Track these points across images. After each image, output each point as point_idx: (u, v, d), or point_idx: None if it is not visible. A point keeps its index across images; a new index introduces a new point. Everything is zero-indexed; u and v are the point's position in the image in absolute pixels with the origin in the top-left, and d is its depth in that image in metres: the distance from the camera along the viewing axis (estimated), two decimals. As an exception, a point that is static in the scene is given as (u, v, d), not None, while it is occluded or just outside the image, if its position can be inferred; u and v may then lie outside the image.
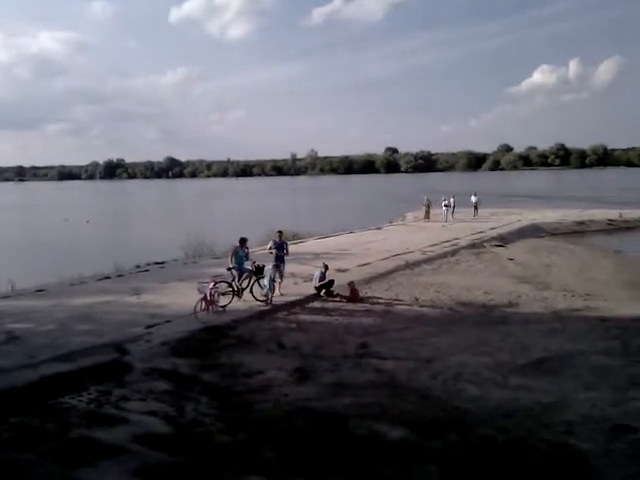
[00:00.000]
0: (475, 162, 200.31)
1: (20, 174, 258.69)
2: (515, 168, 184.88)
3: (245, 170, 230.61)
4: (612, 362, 9.42)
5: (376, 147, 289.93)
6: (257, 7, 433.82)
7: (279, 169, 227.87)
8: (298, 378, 8.77)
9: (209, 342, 10.48)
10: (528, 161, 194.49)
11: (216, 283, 12.71)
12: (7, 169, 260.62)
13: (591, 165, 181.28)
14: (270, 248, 14.55)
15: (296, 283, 15.56)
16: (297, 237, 26.42)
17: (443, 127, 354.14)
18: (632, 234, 30.78)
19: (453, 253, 21.61)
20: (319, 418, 7.08)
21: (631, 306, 13.73)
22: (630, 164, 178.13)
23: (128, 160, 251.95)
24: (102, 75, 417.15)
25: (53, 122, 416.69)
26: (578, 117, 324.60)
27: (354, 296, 14.16)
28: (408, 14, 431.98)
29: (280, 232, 15.01)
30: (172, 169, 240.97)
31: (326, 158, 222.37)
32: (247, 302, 13.31)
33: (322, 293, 14.40)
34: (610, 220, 33.47)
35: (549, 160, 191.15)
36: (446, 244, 23.51)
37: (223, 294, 12.94)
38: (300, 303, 13.82)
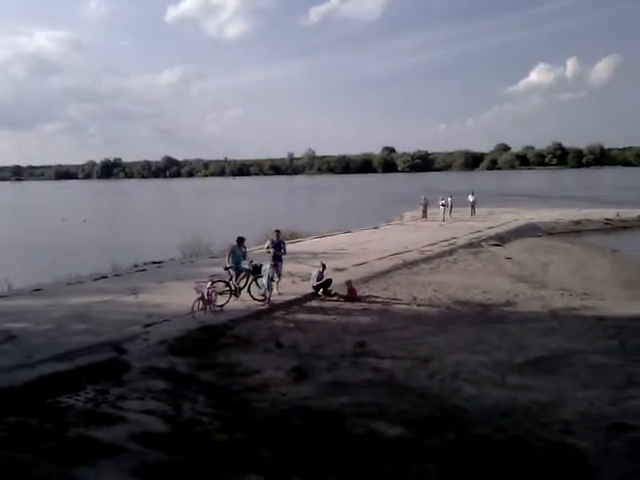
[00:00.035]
0: (472, 161, 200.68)
1: (17, 173, 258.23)
2: (512, 167, 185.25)
3: (242, 169, 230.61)
4: (610, 361, 9.44)
5: (373, 146, 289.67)
6: (254, 6, 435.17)
7: (276, 168, 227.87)
8: (296, 377, 8.77)
9: (207, 341, 10.47)
10: (525, 160, 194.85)
11: (213, 282, 12.70)
12: (4, 168, 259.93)
13: (588, 164, 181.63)
14: (267, 247, 14.54)
15: (294, 282, 15.56)
16: (295, 236, 26.42)
17: (440, 126, 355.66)
18: (629, 233, 30.85)
19: (451, 252, 21.62)
20: (317, 417, 7.08)
21: (628, 305, 13.77)
22: (627, 163, 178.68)
23: (125, 159, 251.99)
24: (98, 74, 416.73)
25: (49, 121, 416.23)
26: (575, 116, 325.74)
27: (352, 295, 14.16)
28: (405, 13, 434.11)
29: (277, 231, 14.99)
30: (169, 168, 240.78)
31: (323, 157, 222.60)
32: (245, 301, 13.30)
33: (320, 292, 14.40)
34: (607, 219, 33.52)
35: (546, 159, 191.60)
36: (444, 243, 23.53)
37: (220, 293, 12.93)
38: (298, 302, 13.81)
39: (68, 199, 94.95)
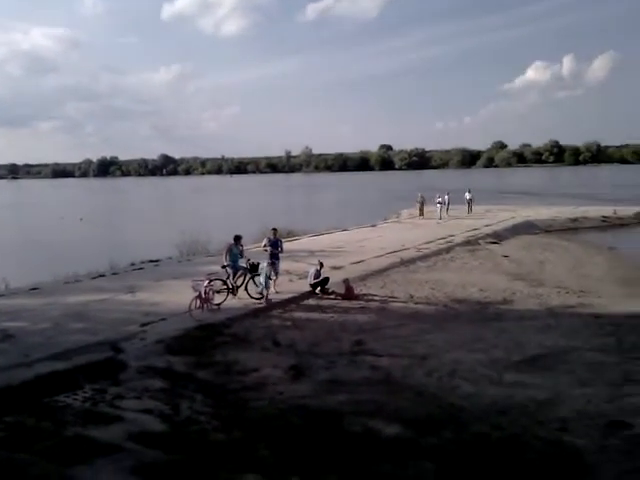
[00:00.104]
0: (469, 159, 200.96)
1: (13, 172, 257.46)
2: (509, 165, 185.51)
3: (239, 167, 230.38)
4: (606, 358, 9.47)
5: (371, 144, 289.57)
6: (251, 3, 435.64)
7: (273, 166, 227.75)
8: (293, 376, 8.77)
9: (204, 340, 10.46)
10: (522, 158, 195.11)
11: (211, 281, 12.70)
12: (0, 167, 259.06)
13: (585, 162, 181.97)
14: (265, 245, 14.54)
15: (291, 280, 15.56)
16: (292, 234, 26.41)
17: (437, 124, 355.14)
18: (626, 231, 30.89)
19: (448, 250, 21.64)
20: (314, 415, 7.09)
21: (625, 303, 13.80)
22: (623, 161, 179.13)
23: (122, 158, 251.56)
24: (95, 72, 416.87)
25: (46, 119, 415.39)
26: (572, 114, 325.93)
27: (349, 293, 14.17)
28: (402, 11, 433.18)
29: (274, 229, 15.00)
30: (166, 166, 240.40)
31: (321, 155, 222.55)
32: (242, 300, 13.30)
33: (317, 290, 14.41)
34: (604, 217, 33.55)
35: (543, 157, 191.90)
36: (441, 241, 23.54)
37: (218, 292, 12.93)
38: (295, 300, 13.81)
39: (65, 197, 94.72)
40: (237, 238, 13.88)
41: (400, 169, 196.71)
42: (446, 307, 13.36)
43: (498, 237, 25.63)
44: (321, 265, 14.86)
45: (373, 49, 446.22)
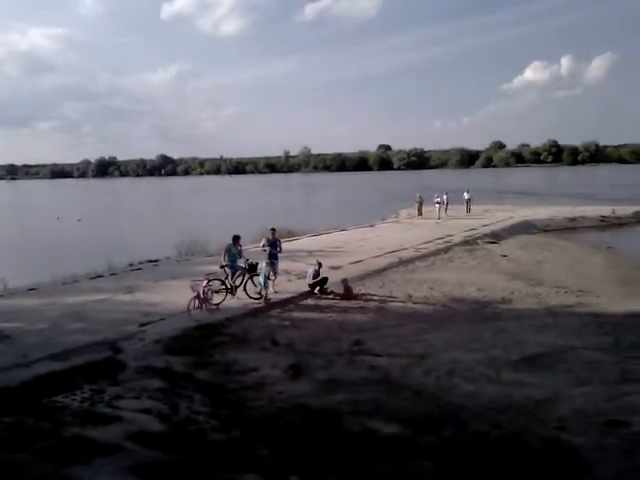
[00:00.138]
0: (468, 159, 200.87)
1: (12, 172, 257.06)
2: (508, 165, 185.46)
3: (238, 167, 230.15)
4: (605, 358, 9.48)
5: (369, 144, 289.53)
6: (249, 3, 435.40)
7: (272, 166, 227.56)
8: (292, 375, 8.78)
9: (203, 340, 10.46)
10: (521, 158, 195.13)
11: (209, 281, 12.70)
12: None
13: (583, 162, 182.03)
14: (263, 245, 14.56)
15: (290, 280, 15.56)
16: (291, 234, 26.40)
17: (436, 124, 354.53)
18: (624, 230, 30.95)
19: (446, 250, 21.65)
20: (313, 415, 7.08)
21: (624, 302, 13.81)
22: (622, 161, 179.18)
23: (120, 158, 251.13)
24: (93, 72, 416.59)
25: (44, 119, 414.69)
26: (570, 114, 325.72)
27: (348, 293, 14.17)
28: (400, 11, 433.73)
29: (273, 229, 15.01)
30: (165, 167, 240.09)
31: (319, 155, 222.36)
32: (241, 300, 13.30)
33: (316, 290, 14.41)
34: (602, 216, 33.61)
35: (541, 157, 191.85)
36: (439, 241, 23.55)
37: (216, 292, 12.93)
38: (294, 300, 13.81)
39: (63, 198, 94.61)
40: (236, 238, 13.89)
41: (399, 169, 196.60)
42: (444, 307, 13.37)
43: (496, 237, 25.65)
44: (320, 265, 14.87)
45: (372, 49, 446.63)
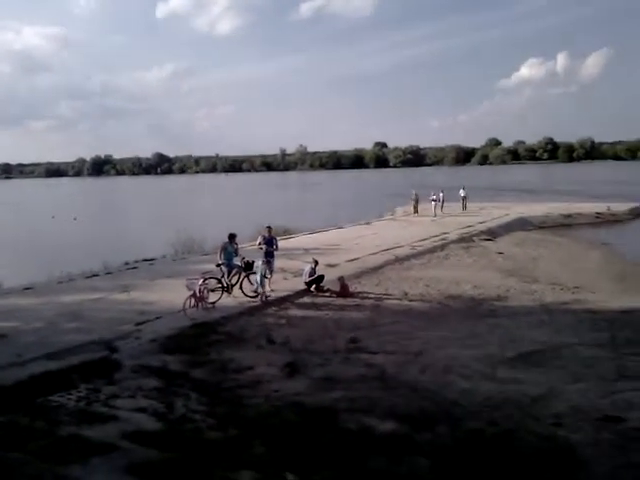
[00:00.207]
0: (464, 156, 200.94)
1: (6, 171, 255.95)
2: (503, 162, 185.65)
3: (234, 166, 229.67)
4: (601, 354, 9.50)
5: (365, 142, 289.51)
6: (245, 2, 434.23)
7: (268, 165, 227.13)
8: (288, 373, 8.77)
9: (199, 338, 10.45)
10: (516, 155, 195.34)
11: (205, 279, 12.68)
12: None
13: (579, 159, 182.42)
14: (259, 244, 14.53)
15: (286, 278, 15.56)
16: (287, 232, 26.40)
17: (432, 122, 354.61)
18: (619, 227, 31.06)
19: (442, 247, 21.69)
20: (309, 413, 7.09)
21: (619, 298, 13.86)
22: (617, 158, 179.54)
23: (116, 156, 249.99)
24: (88, 71, 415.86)
25: (39, 118, 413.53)
26: (566, 111, 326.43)
27: (344, 291, 14.18)
28: (395, 9, 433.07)
29: (269, 227, 14.98)
30: (160, 165, 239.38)
31: (315, 153, 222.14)
32: (237, 298, 13.30)
33: (312, 288, 14.41)
34: (598, 213, 33.73)
35: (537, 154, 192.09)
36: (435, 238, 23.60)
37: (212, 290, 12.92)
38: (290, 298, 13.81)
39: (58, 197, 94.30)
40: (232, 236, 13.87)
41: (395, 167, 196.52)
42: (440, 304, 13.38)
43: (492, 234, 25.71)
44: (316, 263, 14.86)
45: (366, 47, 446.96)
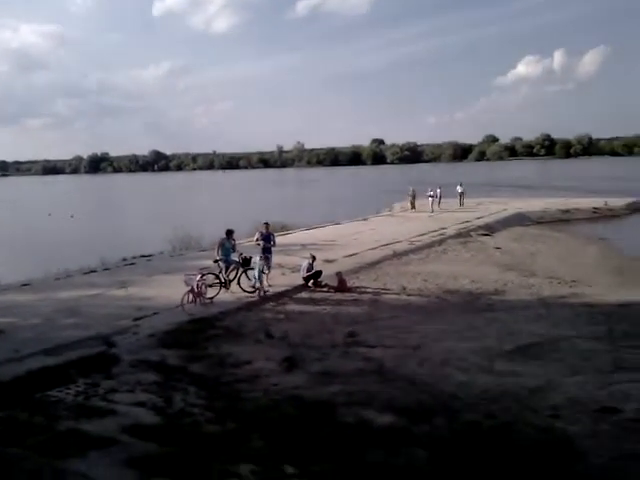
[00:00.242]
0: (461, 153, 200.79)
1: (3, 169, 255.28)
2: (501, 158, 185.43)
3: (231, 163, 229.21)
4: (598, 347, 9.53)
5: (362, 139, 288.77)
6: (241, 0, 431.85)
7: (265, 162, 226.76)
8: (287, 367, 8.78)
9: (197, 333, 10.46)
10: (514, 151, 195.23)
11: (203, 275, 12.68)
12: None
13: (576, 155, 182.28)
14: (257, 240, 14.52)
15: (283, 274, 15.56)
16: (284, 228, 26.38)
17: (429, 118, 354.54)
18: (617, 222, 31.12)
19: (440, 242, 21.71)
20: (308, 406, 7.10)
21: (616, 292, 13.90)
22: (614, 154, 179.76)
23: (113, 154, 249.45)
24: (85, 69, 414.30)
25: (36, 116, 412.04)
26: (563, 108, 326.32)
27: (342, 286, 14.19)
28: (391, 7, 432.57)
29: (267, 224, 14.97)
30: (157, 162, 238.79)
31: (312, 150, 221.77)
32: (235, 294, 13.30)
33: (310, 284, 14.42)
34: (595, 208, 33.78)
35: (534, 150, 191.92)
36: (433, 234, 23.60)
37: (210, 286, 12.92)
38: (288, 294, 13.82)
39: (55, 194, 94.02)
40: (229, 232, 13.86)
41: (392, 163, 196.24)
42: (438, 298, 13.41)
43: (490, 229, 25.74)
44: (313, 258, 14.86)
45: (363, 45, 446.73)
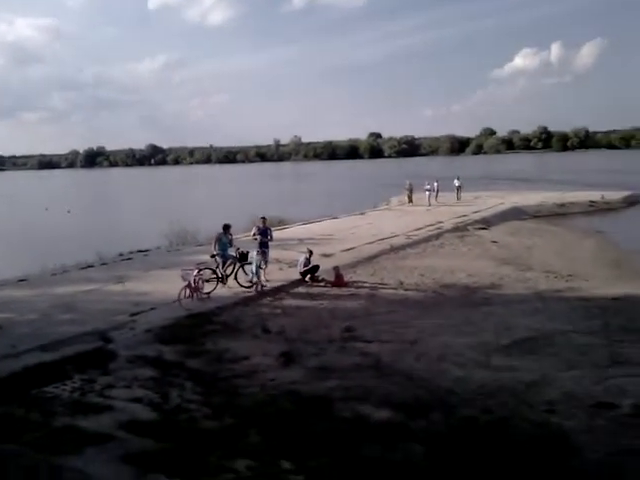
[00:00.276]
0: (458, 146, 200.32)
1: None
2: (498, 152, 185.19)
3: (228, 156, 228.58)
4: (594, 341, 9.56)
5: (360, 132, 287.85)
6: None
7: (262, 155, 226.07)
8: (284, 362, 8.79)
9: (194, 329, 10.45)
10: (511, 145, 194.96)
11: (200, 270, 12.65)
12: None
13: (573, 148, 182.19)
14: (254, 234, 14.52)
15: (281, 269, 15.55)
16: (282, 223, 26.34)
17: (426, 111, 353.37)
18: (613, 215, 31.17)
19: (437, 237, 21.71)
20: (305, 401, 7.11)
21: (612, 286, 13.92)
22: (611, 146, 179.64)
23: (109, 148, 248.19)
24: (80, 62, 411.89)
25: (31, 110, 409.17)
26: (560, 101, 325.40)
27: (339, 281, 14.18)
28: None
29: (264, 218, 14.96)
30: (154, 156, 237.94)
31: (310, 144, 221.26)
32: (232, 289, 13.29)
33: (307, 278, 14.41)
34: (592, 202, 33.80)
35: (532, 143, 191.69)
36: (430, 228, 23.61)
37: (207, 281, 12.90)
38: (285, 289, 13.81)
39: (51, 189, 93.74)
40: (226, 227, 13.85)
41: (389, 157, 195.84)
42: (435, 293, 13.42)
43: (487, 223, 25.74)
44: (310, 253, 14.85)
45: (360, 37, 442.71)
